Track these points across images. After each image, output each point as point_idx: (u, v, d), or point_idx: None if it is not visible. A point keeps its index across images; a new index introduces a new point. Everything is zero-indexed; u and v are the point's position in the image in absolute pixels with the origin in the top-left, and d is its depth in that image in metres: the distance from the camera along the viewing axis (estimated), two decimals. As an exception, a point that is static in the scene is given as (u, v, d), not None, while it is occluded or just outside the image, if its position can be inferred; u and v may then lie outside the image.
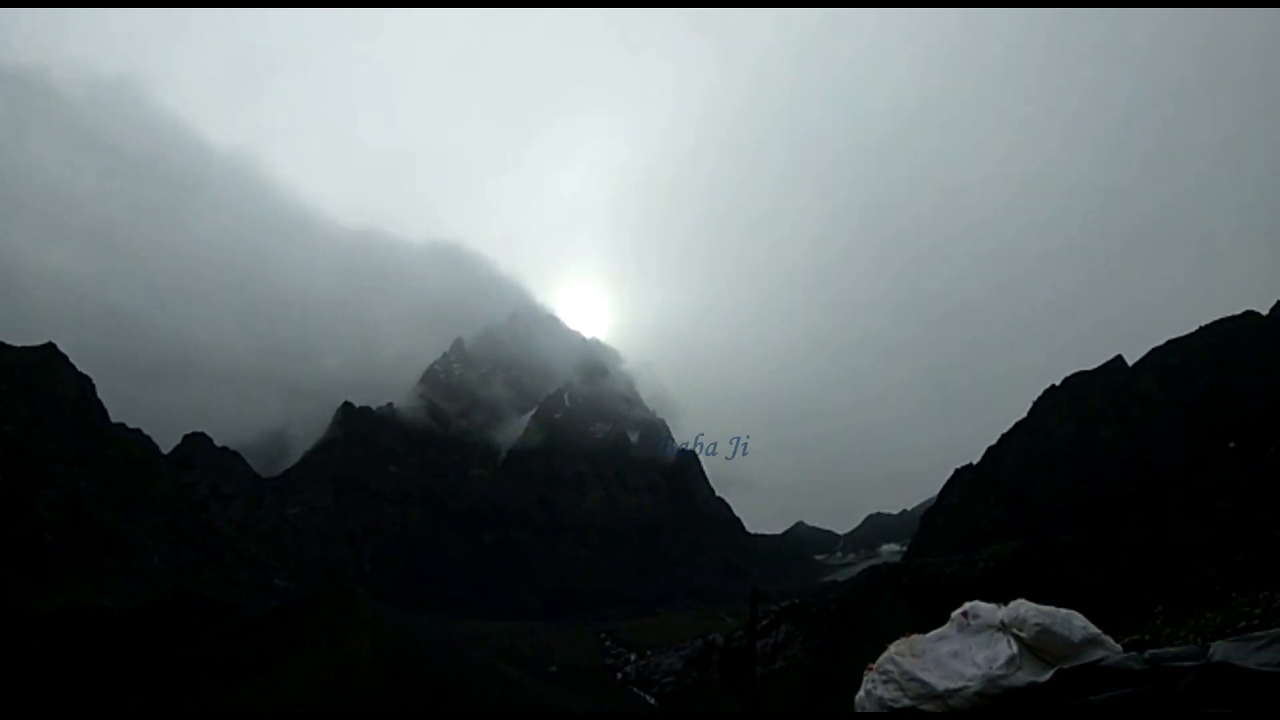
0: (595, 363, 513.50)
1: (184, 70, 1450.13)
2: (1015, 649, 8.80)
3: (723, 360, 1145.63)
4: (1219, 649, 8.15)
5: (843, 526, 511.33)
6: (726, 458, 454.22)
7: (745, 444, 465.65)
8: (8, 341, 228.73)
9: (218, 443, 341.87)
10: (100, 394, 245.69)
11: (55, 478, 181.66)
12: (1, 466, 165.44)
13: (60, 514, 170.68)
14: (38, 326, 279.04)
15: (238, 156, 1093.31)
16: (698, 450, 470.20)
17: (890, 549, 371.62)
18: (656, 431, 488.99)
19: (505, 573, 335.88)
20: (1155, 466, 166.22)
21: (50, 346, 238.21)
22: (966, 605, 9.47)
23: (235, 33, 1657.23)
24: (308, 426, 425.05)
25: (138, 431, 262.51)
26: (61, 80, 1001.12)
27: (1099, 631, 8.95)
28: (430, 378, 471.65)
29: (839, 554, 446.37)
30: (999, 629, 9.04)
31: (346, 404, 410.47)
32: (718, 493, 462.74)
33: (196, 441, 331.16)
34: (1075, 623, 8.87)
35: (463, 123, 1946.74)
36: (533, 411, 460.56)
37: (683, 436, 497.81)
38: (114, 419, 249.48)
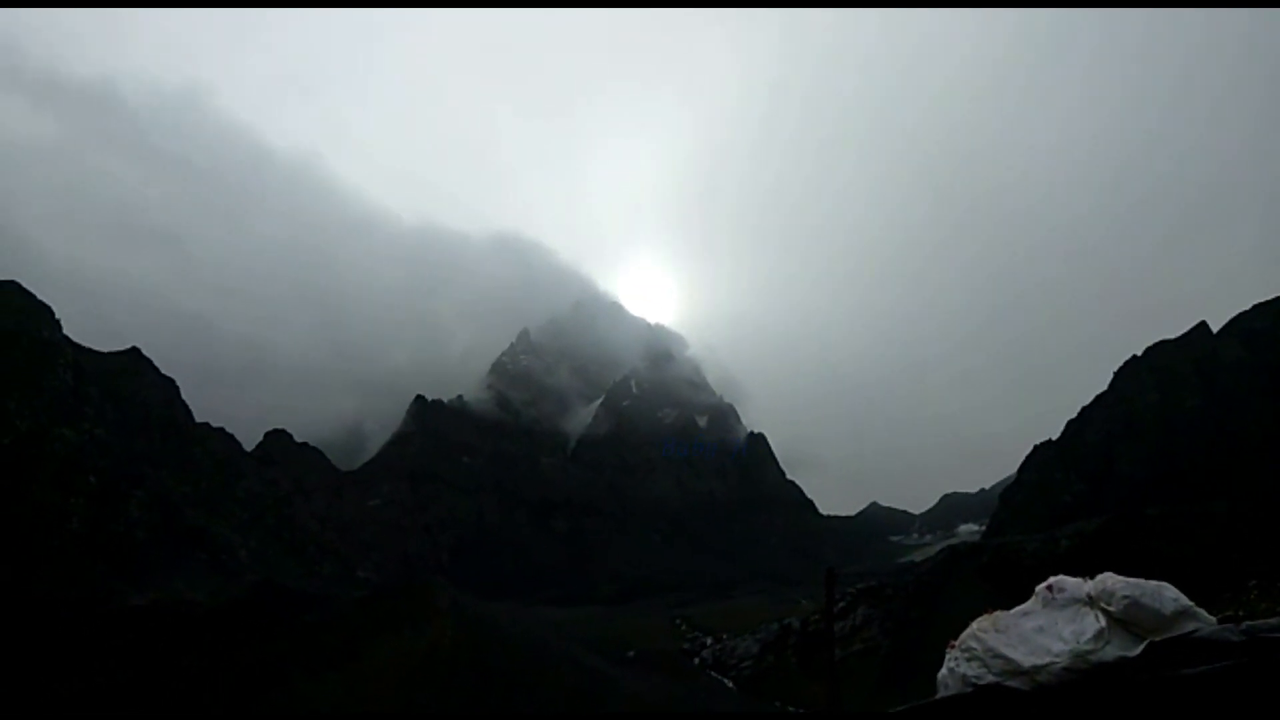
0: (661, 348, 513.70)
1: (241, 77, 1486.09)
2: (1103, 623, 8.49)
3: (791, 342, 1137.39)
4: (1322, 620, 7.79)
5: (918, 507, 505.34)
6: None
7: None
8: (93, 348, 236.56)
9: (297, 439, 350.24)
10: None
11: (144, 478, 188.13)
12: (94, 468, 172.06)
13: (150, 513, 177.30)
14: (118, 333, 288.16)
15: (298, 159, 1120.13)
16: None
17: (968, 529, 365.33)
18: (724, 416, 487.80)
19: (578, 560, 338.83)
20: (1243, 436, 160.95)
21: (134, 351, 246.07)
22: (1051, 579, 9.18)
23: (288, 37, 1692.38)
24: (382, 421, 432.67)
25: (221, 430, 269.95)
26: (126, 91, 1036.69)
27: (1191, 603, 8.58)
28: (498, 369, 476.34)
29: (915, 535, 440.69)
30: (1086, 603, 8.75)
31: (419, 397, 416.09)
32: (788, 475, 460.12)
33: (277, 438, 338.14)
34: (1166, 594, 8.53)
35: (517, 115, 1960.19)
36: (600, 399, 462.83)
37: (751, 420, 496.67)
38: (197, 419, 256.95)
